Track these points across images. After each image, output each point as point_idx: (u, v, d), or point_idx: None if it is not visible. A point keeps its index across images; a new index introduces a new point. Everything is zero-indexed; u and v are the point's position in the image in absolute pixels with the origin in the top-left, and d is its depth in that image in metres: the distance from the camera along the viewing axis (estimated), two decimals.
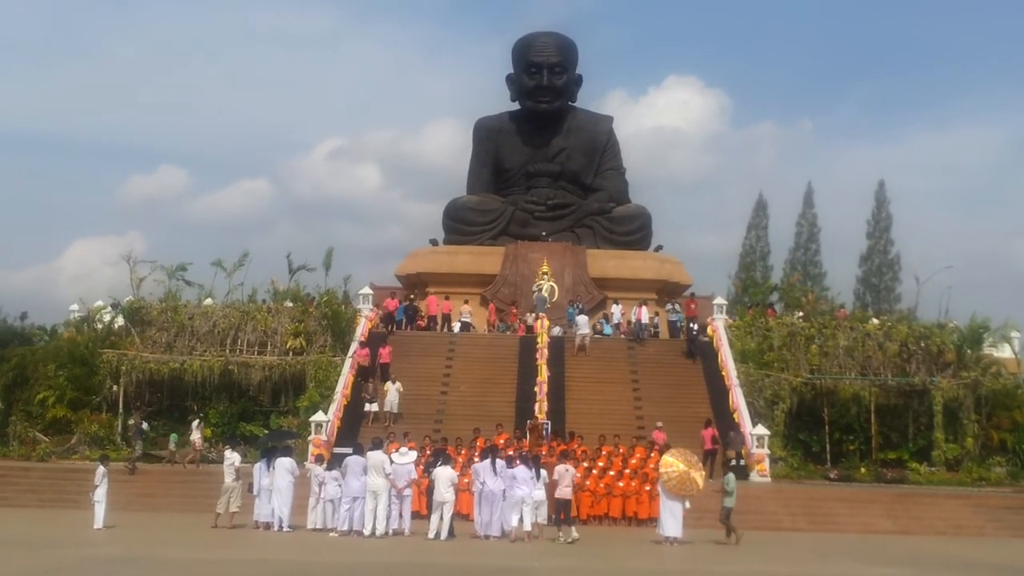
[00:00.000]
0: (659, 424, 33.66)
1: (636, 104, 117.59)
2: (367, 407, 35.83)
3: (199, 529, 24.16)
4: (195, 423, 35.39)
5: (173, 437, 35.62)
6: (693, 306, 43.55)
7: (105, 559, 19.22)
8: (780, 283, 53.55)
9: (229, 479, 25.40)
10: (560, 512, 24.22)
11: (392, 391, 35.79)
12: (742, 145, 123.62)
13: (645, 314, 42.87)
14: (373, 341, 39.74)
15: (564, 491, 24.37)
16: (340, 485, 24.38)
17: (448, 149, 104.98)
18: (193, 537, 23.02)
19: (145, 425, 36.25)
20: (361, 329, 40.43)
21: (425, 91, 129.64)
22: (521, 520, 23.53)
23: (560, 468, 24.82)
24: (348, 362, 38.05)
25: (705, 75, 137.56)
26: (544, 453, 30.01)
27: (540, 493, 23.94)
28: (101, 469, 24.83)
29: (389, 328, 41.75)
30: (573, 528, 23.91)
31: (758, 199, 78.63)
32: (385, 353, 38.30)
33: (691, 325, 42.09)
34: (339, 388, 36.80)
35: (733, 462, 33.43)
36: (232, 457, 26.13)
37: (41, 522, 25.44)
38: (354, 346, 38.90)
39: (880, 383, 38.87)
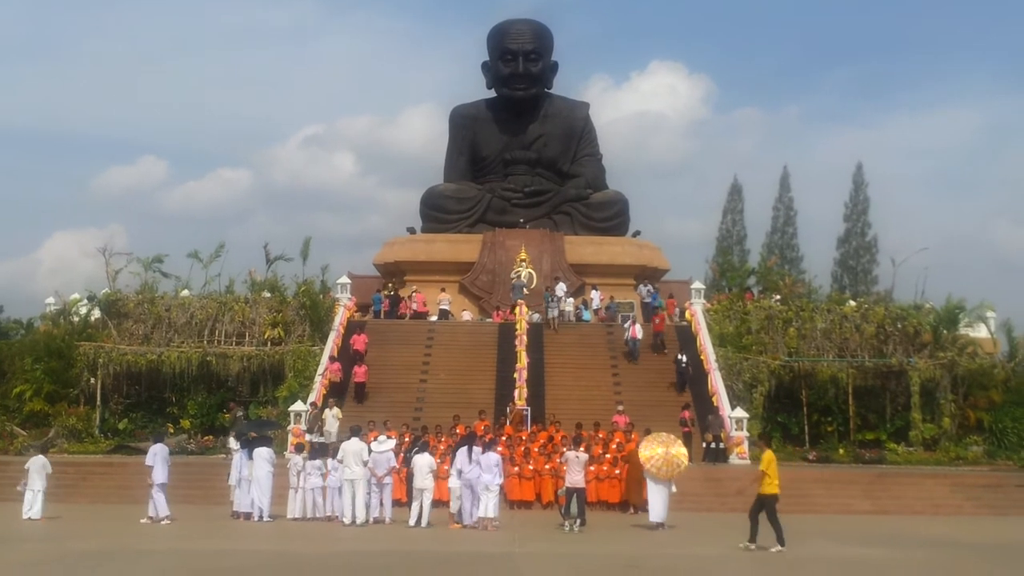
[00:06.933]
0: (620, 408, 33.76)
1: (619, 90, 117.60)
2: (307, 437, 31.61)
3: (178, 520, 24.04)
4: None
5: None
6: (658, 320, 40.63)
7: (86, 552, 19.09)
8: (757, 267, 53.76)
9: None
10: (570, 502, 22.96)
11: (330, 419, 32.78)
12: (725, 130, 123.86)
13: (639, 331, 39.79)
14: (344, 355, 38.34)
15: (575, 479, 23.17)
16: (323, 475, 24.53)
17: (424, 136, 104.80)
18: (172, 528, 22.93)
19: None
20: (339, 319, 40.30)
21: (401, 78, 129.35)
22: (487, 506, 23.05)
23: (570, 455, 23.76)
24: (318, 380, 36.62)
25: (689, 60, 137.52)
26: (524, 439, 30.10)
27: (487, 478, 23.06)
28: (40, 459, 24.85)
29: (358, 360, 38.14)
30: (568, 522, 22.88)
31: (732, 183, 79.31)
32: (360, 372, 37.15)
33: (680, 357, 37.77)
34: (318, 377, 36.69)
35: (712, 445, 33.62)
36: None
37: (18, 516, 25.20)
38: (324, 364, 37.45)
39: (857, 365, 39.07)
